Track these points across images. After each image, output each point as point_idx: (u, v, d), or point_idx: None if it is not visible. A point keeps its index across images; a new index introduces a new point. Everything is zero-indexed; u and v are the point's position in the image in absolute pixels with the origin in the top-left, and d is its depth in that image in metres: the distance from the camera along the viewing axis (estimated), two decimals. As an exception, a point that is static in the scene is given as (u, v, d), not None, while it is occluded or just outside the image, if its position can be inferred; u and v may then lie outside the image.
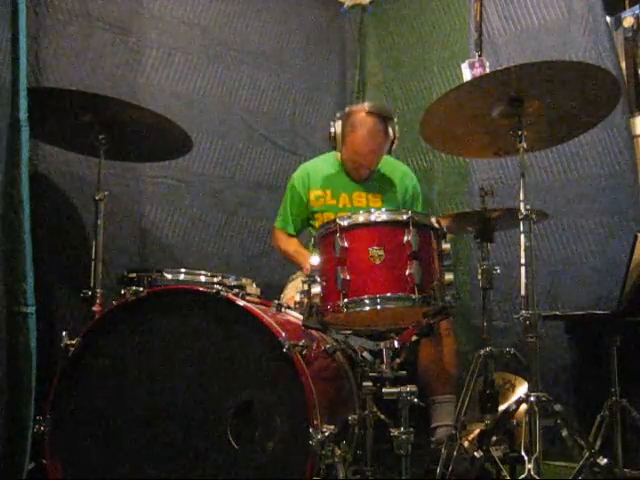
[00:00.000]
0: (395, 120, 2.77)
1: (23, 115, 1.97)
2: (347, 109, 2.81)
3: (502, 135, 2.15)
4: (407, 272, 1.75)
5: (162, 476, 1.80)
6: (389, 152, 2.83)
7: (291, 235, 2.93)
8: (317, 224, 2.83)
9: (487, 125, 2.17)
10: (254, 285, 2.19)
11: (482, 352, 2.29)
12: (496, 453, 2.08)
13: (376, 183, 2.89)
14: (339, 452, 1.76)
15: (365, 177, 2.86)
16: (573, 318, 2.65)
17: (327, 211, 2.84)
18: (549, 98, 2.04)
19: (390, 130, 2.74)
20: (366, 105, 2.79)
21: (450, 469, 2.12)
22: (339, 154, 2.89)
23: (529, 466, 1.82)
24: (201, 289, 1.90)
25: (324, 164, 2.95)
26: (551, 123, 2.17)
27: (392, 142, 2.77)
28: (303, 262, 2.70)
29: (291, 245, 2.91)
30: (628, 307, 2.26)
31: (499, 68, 2.04)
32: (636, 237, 2.31)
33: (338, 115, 2.80)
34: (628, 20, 3.01)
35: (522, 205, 2.01)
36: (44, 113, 2.21)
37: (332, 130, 2.78)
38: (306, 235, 2.99)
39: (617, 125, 2.78)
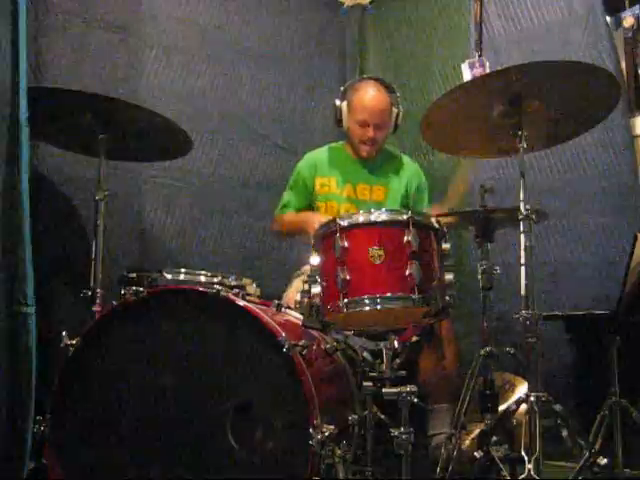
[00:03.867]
0: (398, 95, 2.86)
1: (23, 115, 1.97)
2: (349, 82, 2.92)
3: (502, 135, 2.15)
4: (407, 272, 1.75)
5: (162, 476, 1.80)
6: (395, 129, 2.86)
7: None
8: (320, 212, 2.84)
9: (487, 125, 2.17)
10: (254, 285, 2.19)
11: (482, 352, 2.29)
12: (496, 453, 2.08)
13: (381, 174, 2.91)
14: (339, 452, 1.76)
15: (373, 152, 2.86)
16: (573, 318, 2.65)
17: (330, 200, 2.86)
18: (549, 98, 2.04)
19: (394, 100, 2.82)
20: (368, 75, 2.96)
21: (450, 469, 2.12)
22: (345, 143, 2.94)
23: (529, 466, 1.83)
24: (201, 289, 1.90)
25: (330, 153, 2.97)
26: (551, 123, 2.17)
27: (397, 117, 2.83)
28: (306, 221, 2.64)
29: (288, 215, 2.89)
30: (628, 307, 2.26)
31: (499, 68, 2.04)
32: (636, 237, 2.31)
33: (342, 89, 2.87)
34: (628, 20, 3.01)
35: (522, 205, 2.01)
36: (44, 113, 2.20)
37: (337, 103, 2.83)
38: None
39: (617, 125, 2.78)
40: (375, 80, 2.86)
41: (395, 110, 2.83)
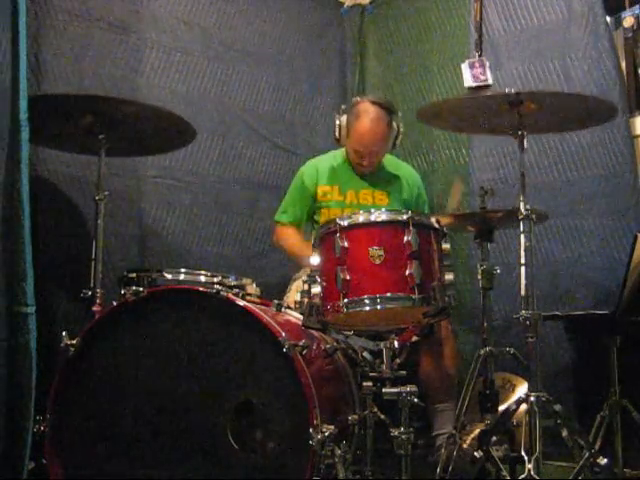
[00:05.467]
0: (400, 115, 2.83)
1: (23, 115, 1.96)
2: (352, 100, 2.89)
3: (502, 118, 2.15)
4: (407, 272, 1.75)
5: (162, 476, 1.80)
6: (393, 146, 2.86)
7: (291, 224, 2.92)
8: (322, 219, 2.85)
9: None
10: (254, 285, 2.19)
11: (482, 352, 2.29)
12: (496, 453, 2.08)
13: (383, 180, 2.92)
14: (339, 452, 1.76)
15: (369, 171, 2.88)
16: (573, 318, 2.65)
17: (333, 207, 2.87)
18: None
19: (394, 123, 2.79)
20: (370, 96, 2.91)
21: (450, 469, 2.12)
22: (345, 151, 2.94)
23: (529, 466, 1.83)
24: (201, 289, 1.90)
25: (332, 160, 2.98)
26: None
27: (396, 137, 2.82)
28: (303, 258, 2.66)
29: (293, 239, 2.90)
30: (628, 307, 2.26)
31: (502, 92, 2.04)
32: (636, 237, 2.31)
33: (343, 107, 2.86)
34: (628, 20, 3.01)
35: (522, 205, 2.01)
36: (44, 120, 2.19)
37: (337, 122, 2.81)
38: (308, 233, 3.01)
39: (617, 125, 2.78)
40: (375, 104, 2.77)
41: (394, 132, 2.79)
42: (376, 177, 2.91)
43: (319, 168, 2.94)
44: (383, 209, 1.90)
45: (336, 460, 1.75)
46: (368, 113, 2.75)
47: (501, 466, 2.05)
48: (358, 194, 2.88)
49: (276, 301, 2.09)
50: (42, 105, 2.20)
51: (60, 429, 1.86)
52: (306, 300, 1.85)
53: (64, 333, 1.90)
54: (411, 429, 1.76)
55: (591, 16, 2.86)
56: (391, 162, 3.00)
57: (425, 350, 2.51)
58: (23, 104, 1.97)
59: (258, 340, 1.82)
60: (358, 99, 2.86)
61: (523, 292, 1.98)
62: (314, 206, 2.91)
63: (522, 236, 2.00)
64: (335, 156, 3.00)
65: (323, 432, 1.71)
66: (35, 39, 2.60)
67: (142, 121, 2.35)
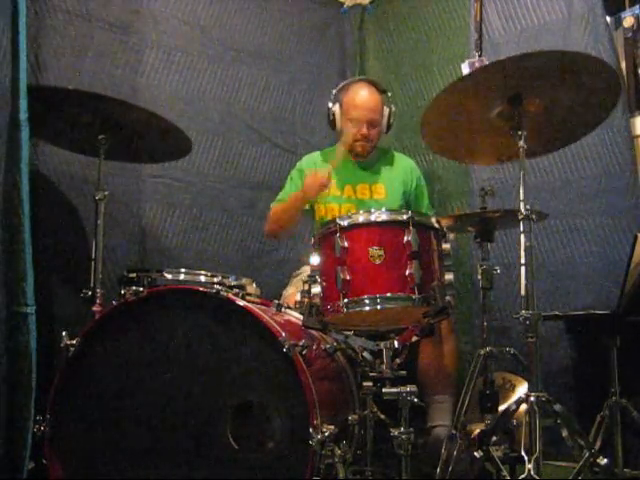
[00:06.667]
0: (389, 95, 2.94)
1: (23, 115, 1.97)
2: (339, 85, 2.96)
3: (504, 140, 2.14)
4: (407, 272, 1.75)
5: (162, 476, 1.80)
6: (388, 128, 2.91)
7: None
8: (319, 214, 2.86)
9: (487, 127, 2.16)
10: (254, 285, 2.19)
11: (482, 352, 2.29)
12: (496, 453, 2.08)
13: (381, 173, 2.93)
14: (339, 452, 1.76)
15: (367, 149, 2.89)
16: (573, 318, 2.65)
17: (331, 202, 2.86)
18: (548, 93, 2.03)
19: (385, 100, 2.88)
20: (358, 77, 3.08)
21: (450, 469, 2.12)
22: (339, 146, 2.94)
23: (529, 466, 1.82)
24: (201, 289, 1.90)
25: (327, 156, 2.98)
26: (551, 125, 2.16)
27: (390, 116, 2.88)
28: (297, 194, 2.76)
29: (276, 207, 2.90)
30: (628, 307, 2.26)
31: (498, 59, 2.04)
32: (636, 237, 2.31)
33: (334, 92, 2.92)
34: (628, 20, 3.01)
35: (522, 205, 2.01)
36: (44, 112, 2.20)
37: (330, 106, 2.89)
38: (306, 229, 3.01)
39: (617, 125, 2.77)
40: (365, 81, 2.94)
41: (387, 109, 2.89)
42: (372, 169, 2.93)
43: (317, 162, 2.95)
44: (383, 209, 1.89)
45: (336, 460, 1.75)
46: (359, 85, 2.91)
47: (501, 466, 2.05)
48: (355, 189, 2.88)
49: (276, 301, 2.10)
50: (42, 98, 2.20)
51: (60, 429, 1.86)
52: (306, 300, 1.85)
53: (64, 333, 1.90)
54: (411, 429, 1.76)
55: (591, 16, 2.86)
56: (385, 152, 3.01)
57: (425, 347, 2.52)
58: (23, 104, 1.97)
59: (258, 340, 1.82)
60: (345, 82, 2.98)
61: (523, 292, 1.98)
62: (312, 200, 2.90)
63: (522, 236, 2.00)
64: (330, 152, 3.00)
65: (323, 432, 1.71)
66: (35, 39, 2.60)
67: (141, 127, 2.35)
